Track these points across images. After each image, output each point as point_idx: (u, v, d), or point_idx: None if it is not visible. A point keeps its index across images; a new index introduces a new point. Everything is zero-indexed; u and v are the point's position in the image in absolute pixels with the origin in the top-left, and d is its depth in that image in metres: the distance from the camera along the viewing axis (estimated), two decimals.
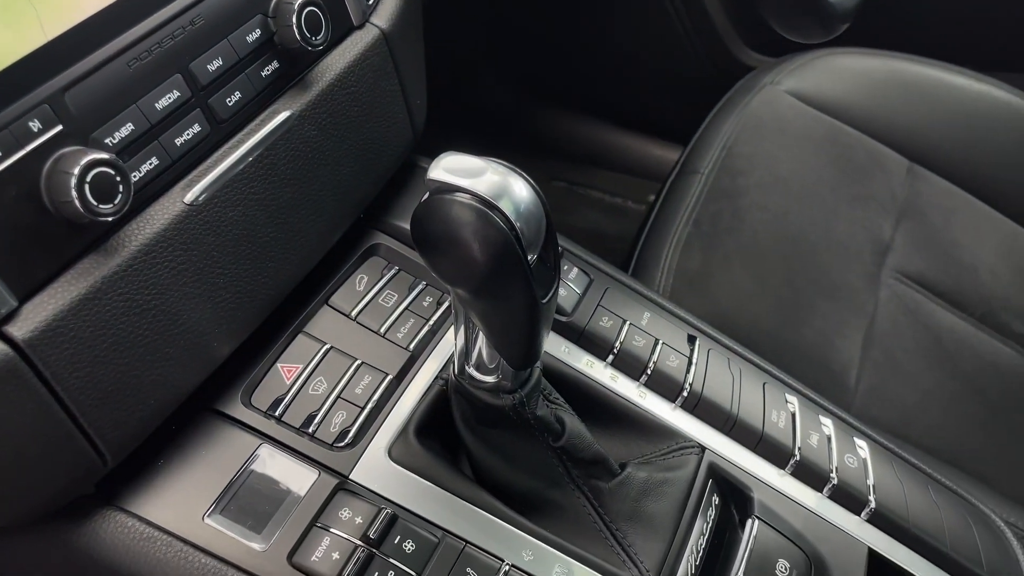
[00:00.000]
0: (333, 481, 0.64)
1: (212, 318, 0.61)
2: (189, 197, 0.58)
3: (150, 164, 0.56)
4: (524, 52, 2.11)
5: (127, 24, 0.55)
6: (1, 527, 0.59)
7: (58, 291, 0.51)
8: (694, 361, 0.79)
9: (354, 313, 0.74)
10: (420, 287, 0.78)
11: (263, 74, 0.63)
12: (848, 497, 0.75)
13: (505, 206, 0.49)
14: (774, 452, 0.76)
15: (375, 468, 0.66)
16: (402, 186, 0.85)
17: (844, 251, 1.32)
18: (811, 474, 0.75)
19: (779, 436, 0.76)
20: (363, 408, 0.69)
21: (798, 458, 0.75)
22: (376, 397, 0.69)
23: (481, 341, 0.60)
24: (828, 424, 0.80)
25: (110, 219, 0.50)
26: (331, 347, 0.71)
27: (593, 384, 0.77)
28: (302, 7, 0.62)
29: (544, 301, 0.56)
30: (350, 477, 0.65)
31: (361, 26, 0.72)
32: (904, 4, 1.76)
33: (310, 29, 0.63)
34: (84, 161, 0.48)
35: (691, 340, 0.82)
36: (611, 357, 0.78)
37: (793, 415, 0.79)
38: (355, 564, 0.60)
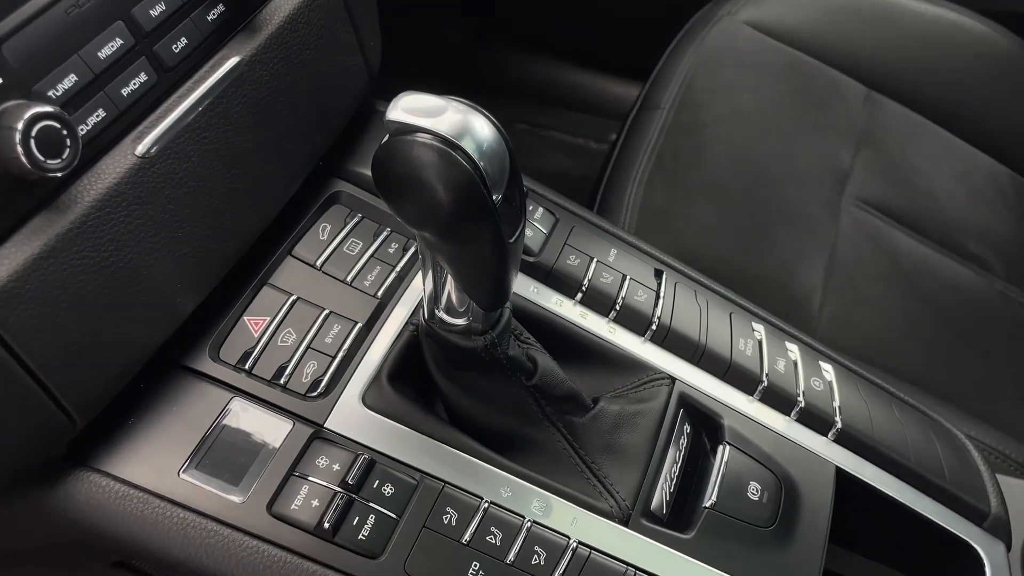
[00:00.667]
0: (308, 430, 0.64)
1: (173, 273, 0.60)
2: (140, 149, 0.56)
3: (97, 116, 0.54)
4: None
5: None
6: None
7: (11, 251, 0.49)
8: (662, 295, 0.80)
9: (319, 263, 0.73)
10: (385, 234, 0.77)
11: (209, 18, 0.61)
12: (815, 419, 0.77)
13: (468, 145, 0.49)
14: (742, 379, 0.77)
15: (350, 416, 0.66)
16: (360, 131, 0.83)
17: (805, 181, 1.34)
18: (779, 399, 0.77)
19: (747, 364, 0.78)
20: (334, 357, 0.68)
21: (766, 384, 0.77)
22: (347, 346, 0.69)
23: (450, 284, 0.60)
24: (794, 350, 0.82)
25: (59, 174, 0.48)
26: (298, 298, 0.71)
27: (563, 322, 0.77)
28: None
29: (511, 241, 0.55)
30: (325, 426, 0.65)
31: None
32: None
33: None
34: (28, 115, 0.46)
35: (658, 274, 0.83)
36: (580, 295, 0.78)
37: (760, 342, 0.80)
38: (335, 510, 0.60)
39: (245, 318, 0.69)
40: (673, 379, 0.76)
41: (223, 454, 0.62)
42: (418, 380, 0.71)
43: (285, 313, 0.70)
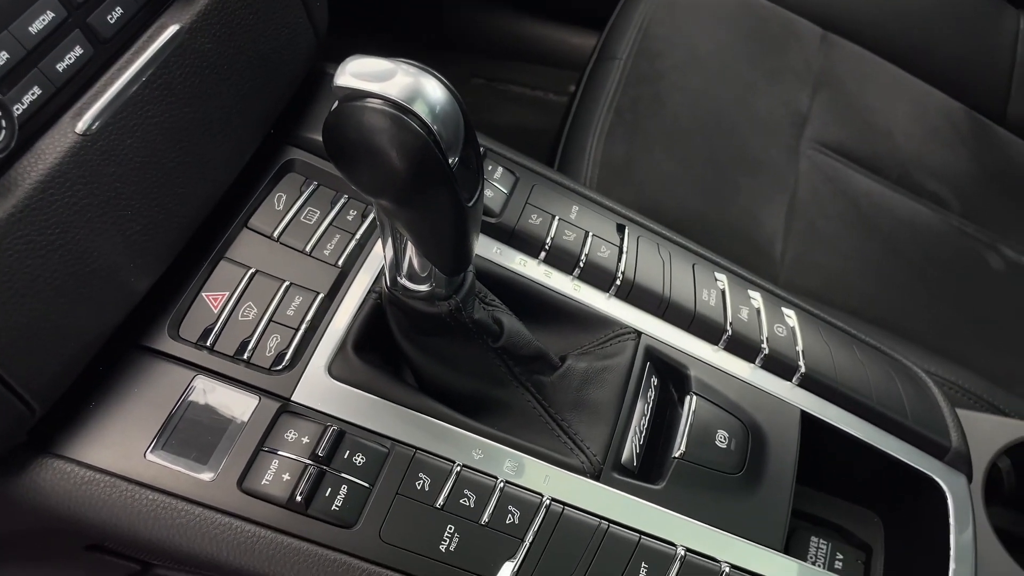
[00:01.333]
0: (275, 404, 0.63)
1: (124, 252, 0.59)
2: (81, 126, 0.54)
3: (32, 94, 0.52)
4: None
5: None
6: None
7: None
8: (624, 250, 0.80)
9: (276, 234, 0.72)
10: (343, 201, 0.76)
11: None
12: (779, 364, 0.78)
13: (420, 108, 0.47)
14: (707, 330, 0.78)
15: (316, 387, 0.65)
16: (311, 96, 0.81)
17: (764, 126, 1.34)
18: (743, 347, 0.78)
19: (711, 314, 0.78)
20: (297, 329, 0.67)
21: (730, 333, 0.78)
22: (310, 317, 0.68)
23: (411, 251, 0.59)
24: (757, 297, 0.82)
25: None
26: (256, 271, 0.69)
27: (528, 282, 0.77)
28: None
29: (470, 204, 0.54)
30: (292, 399, 0.64)
31: None
32: None
33: None
34: None
35: (620, 229, 0.82)
36: (543, 254, 0.78)
37: (723, 292, 0.81)
38: (307, 482, 0.60)
39: (203, 294, 0.68)
40: (639, 333, 0.76)
41: (189, 433, 0.61)
42: (385, 348, 0.71)
43: (244, 287, 0.68)
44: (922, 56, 1.54)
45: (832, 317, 0.91)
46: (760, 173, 1.28)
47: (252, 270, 0.69)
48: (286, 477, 0.60)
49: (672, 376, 0.77)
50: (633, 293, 0.78)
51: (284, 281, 0.69)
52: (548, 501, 0.65)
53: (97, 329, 0.59)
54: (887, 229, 1.30)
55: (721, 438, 0.72)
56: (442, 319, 0.64)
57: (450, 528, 0.62)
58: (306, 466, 0.61)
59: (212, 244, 0.70)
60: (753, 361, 0.78)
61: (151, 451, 0.60)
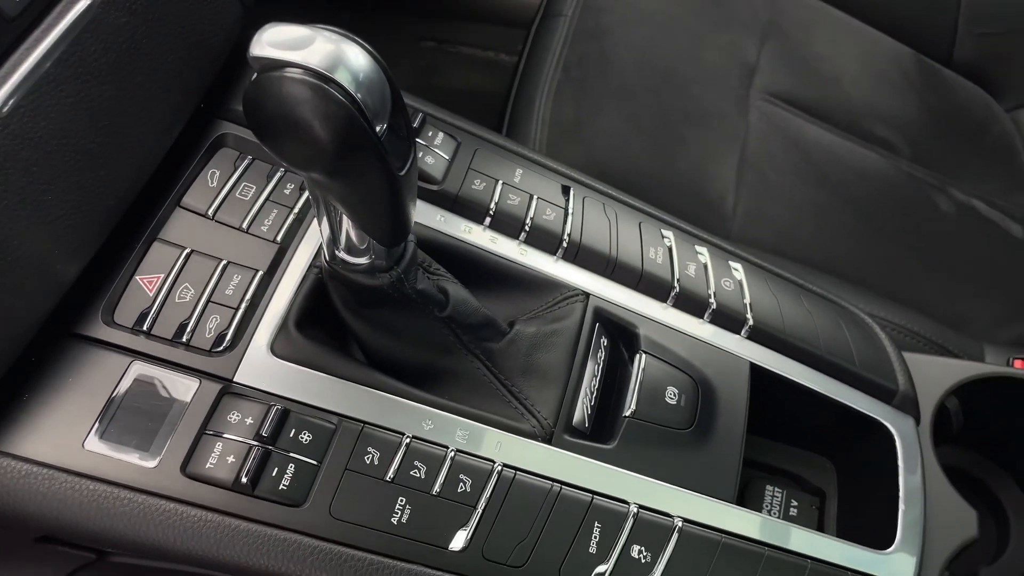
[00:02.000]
0: (216, 387, 0.62)
1: (48, 239, 0.57)
2: None
3: None
4: None
5: None
6: None
7: None
8: (570, 211, 0.79)
9: (211, 211, 0.70)
10: (279, 174, 0.74)
11: None
12: (727, 318, 0.79)
13: (342, 77, 0.46)
14: (655, 287, 0.78)
15: (259, 367, 0.64)
16: (241, 68, 0.79)
17: (713, 78, 1.33)
18: (691, 302, 0.78)
19: (658, 271, 0.78)
20: (237, 309, 0.66)
21: (678, 289, 0.78)
22: (249, 295, 0.67)
23: (347, 224, 0.58)
24: (704, 252, 0.82)
25: None
26: (192, 251, 0.68)
27: (473, 249, 0.76)
28: None
29: (402, 173, 0.53)
30: (234, 380, 0.63)
31: None
32: None
33: None
34: None
35: (565, 191, 0.82)
36: (488, 219, 0.77)
37: (670, 249, 0.81)
38: (252, 463, 0.59)
39: (137, 277, 0.66)
40: (587, 295, 0.76)
41: (129, 420, 0.60)
42: (331, 323, 0.70)
43: (180, 268, 0.67)
44: (869, 2, 1.54)
45: (784, 268, 0.91)
46: (710, 127, 1.28)
47: (187, 250, 0.68)
48: (231, 459, 0.59)
49: (622, 336, 0.77)
50: (580, 255, 0.78)
51: (221, 260, 0.68)
52: (500, 467, 0.65)
53: (25, 320, 0.57)
54: (837, 177, 1.31)
55: (671, 395, 0.73)
56: (384, 291, 0.63)
57: (401, 500, 0.62)
58: (251, 447, 0.60)
59: (144, 225, 0.68)
60: (702, 316, 0.79)
61: (89, 440, 0.59)
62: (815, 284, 0.93)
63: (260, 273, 0.68)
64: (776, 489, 0.84)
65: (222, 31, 0.73)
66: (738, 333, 0.79)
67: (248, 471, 0.59)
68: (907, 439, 0.81)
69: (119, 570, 0.69)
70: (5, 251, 0.53)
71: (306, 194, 0.74)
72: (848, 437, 0.85)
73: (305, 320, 0.68)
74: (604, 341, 0.76)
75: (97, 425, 0.59)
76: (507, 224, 0.77)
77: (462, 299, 0.69)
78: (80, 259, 0.61)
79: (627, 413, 0.71)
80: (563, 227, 0.78)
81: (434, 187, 0.76)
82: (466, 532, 0.63)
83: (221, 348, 0.64)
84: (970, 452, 0.99)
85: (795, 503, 0.84)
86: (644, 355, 0.74)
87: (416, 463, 0.63)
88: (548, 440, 0.68)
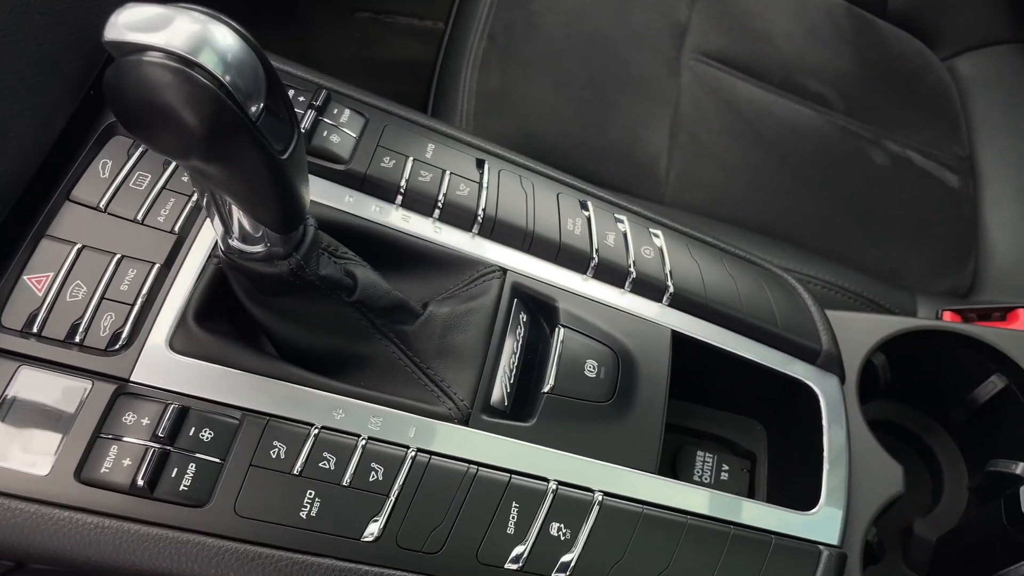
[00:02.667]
0: (111, 387, 0.60)
1: None
2: None
3: None
4: None
5: None
6: None
7: None
8: (485, 185, 0.77)
9: (103, 204, 0.67)
10: (175, 162, 0.71)
11: None
12: (648, 287, 0.78)
13: (206, 58, 0.43)
14: (574, 259, 0.77)
15: (157, 364, 0.62)
16: None
17: (643, 41, 1.31)
18: (611, 273, 0.77)
19: (576, 243, 0.77)
20: (133, 305, 0.63)
21: (597, 260, 0.77)
22: (145, 290, 0.64)
23: (237, 212, 0.56)
24: (623, 220, 0.81)
25: None
26: (83, 246, 0.65)
27: (385, 230, 0.74)
28: None
29: (285, 156, 0.51)
30: (131, 379, 0.61)
31: None
32: None
33: None
34: None
35: (480, 165, 0.80)
36: (399, 198, 0.75)
37: (589, 219, 0.79)
38: (149, 465, 0.57)
39: (25, 277, 0.63)
40: (505, 270, 0.75)
41: (16, 429, 0.57)
42: (238, 315, 0.68)
43: (71, 265, 0.64)
44: None
45: (716, 231, 0.91)
46: (641, 91, 1.26)
47: (78, 246, 0.65)
48: (127, 462, 0.57)
49: (541, 310, 0.76)
50: (497, 230, 0.76)
51: (115, 254, 0.65)
52: (413, 453, 0.64)
53: None
54: (771, 135, 1.30)
55: (590, 368, 0.72)
56: (284, 279, 0.61)
57: (310, 494, 0.61)
58: (147, 448, 0.58)
59: (31, 222, 0.65)
60: (622, 286, 0.78)
61: None
62: (746, 246, 0.92)
63: (157, 266, 0.66)
64: (707, 455, 0.84)
65: (104, 13, 0.69)
66: (659, 301, 0.78)
67: (145, 473, 0.57)
68: (831, 398, 0.81)
69: None
70: None
71: None
72: (775, 399, 0.85)
73: (207, 313, 0.65)
74: (523, 317, 0.75)
75: None
76: (419, 202, 0.75)
77: (371, 282, 0.67)
78: None
79: (546, 389, 0.70)
80: (478, 202, 0.76)
81: (340, 167, 0.74)
82: (379, 521, 0.62)
83: (117, 347, 0.62)
84: (903, 406, 1.00)
85: (726, 468, 0.84)
86: (563, 329, 0.73)
87: (325, 454, 0.62)
88: (465, 422, 0.67)
